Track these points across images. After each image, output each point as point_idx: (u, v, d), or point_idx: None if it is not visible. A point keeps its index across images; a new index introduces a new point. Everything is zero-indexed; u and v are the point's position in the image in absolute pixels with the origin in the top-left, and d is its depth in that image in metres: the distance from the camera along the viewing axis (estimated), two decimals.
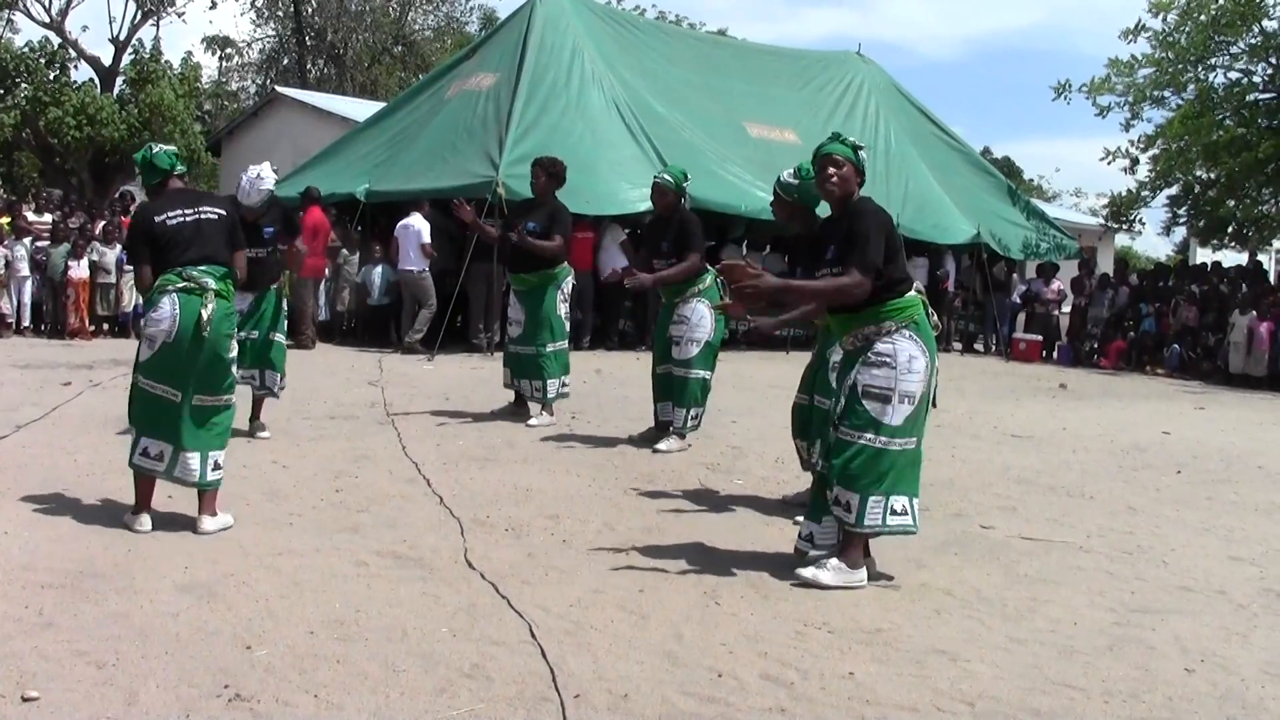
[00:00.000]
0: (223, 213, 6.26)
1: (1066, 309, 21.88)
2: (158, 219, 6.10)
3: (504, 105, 17.53)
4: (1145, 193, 23.37)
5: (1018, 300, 22.07)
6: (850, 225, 5.40)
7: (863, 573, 5.43)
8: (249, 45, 47.65)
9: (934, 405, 5.63)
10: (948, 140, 23.87)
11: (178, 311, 5.93)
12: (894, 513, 5.38)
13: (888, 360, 5.34)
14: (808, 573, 5.40)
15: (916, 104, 23.93)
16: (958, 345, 22.04)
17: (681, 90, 20.11)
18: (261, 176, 8.43)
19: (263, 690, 3.91)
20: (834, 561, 5.43)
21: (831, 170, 5.54)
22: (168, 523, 6.05)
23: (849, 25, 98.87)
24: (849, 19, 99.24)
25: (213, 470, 6.12)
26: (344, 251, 17.69)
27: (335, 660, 4.20)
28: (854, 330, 5.45)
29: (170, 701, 3.81)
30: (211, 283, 6.02)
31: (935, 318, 5.64)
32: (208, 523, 6.04)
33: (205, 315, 5.93)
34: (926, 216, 20.45)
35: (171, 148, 6.36)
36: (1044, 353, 20.97)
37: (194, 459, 6.05)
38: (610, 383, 12.76)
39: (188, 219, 6.12)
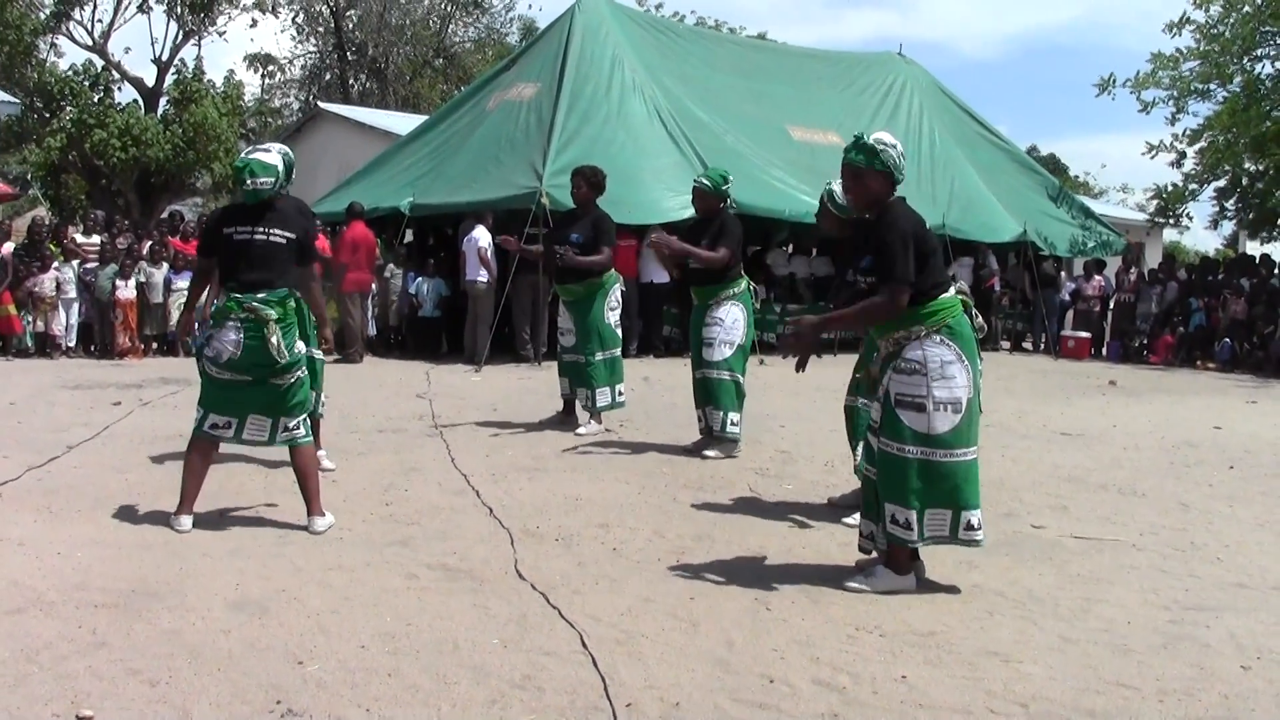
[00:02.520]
0: (291, 236, 6.32)
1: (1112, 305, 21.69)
2: (226, 230, 6.30)
3: (546, 116, 17.57)
4: (1192, 186, 23.11)
5: (1066, 297, 21.90)
6: (879, 237, 5.32)
7: (911, 577, 5.40)
8: (291, 62, 48.07)
9: (979, 410, 5.55)
10: (992, 139, 23.75)
11: (242, 339, 6.13)
12: (969, 527, 5.31)
13: (917, 367, 5.25)
14: (856, 583, 5.38)
15: (960, 103, 23.81)
16: (1006, 344, 21.89)
17: (723, 95, 20.09)
18: None
19: (314, 706, 3.92)
20: (881, 568, 5.40)
21: (849, 184, 5.51)
22: (217, 539, 6.09)
23: (889, 26, 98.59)
24: (889, 19, 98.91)
25: (283, 432, 6.31)
26: (390, 265, 17.76)
27: (387, 674, 4.21)
28: (888, 334, 5.40)
29: (223, 718, 3.83)
30: (272, 313, 6.14)
31: (979, 319, 5.56)
32: (318, 523, 6.27)
33: (274, 344, 6.11)
34: (972, 216, 20.36)
35: (258, 158, 6.30)
36: (1093, 350, 20.80)
37: (264, 422, 6.29)
38: (658, 390, 12.76)
39: (254, 238, 6.23)
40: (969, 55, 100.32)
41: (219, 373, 6.23)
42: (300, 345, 6.40)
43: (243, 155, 6.40)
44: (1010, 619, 5.02)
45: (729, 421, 8.73)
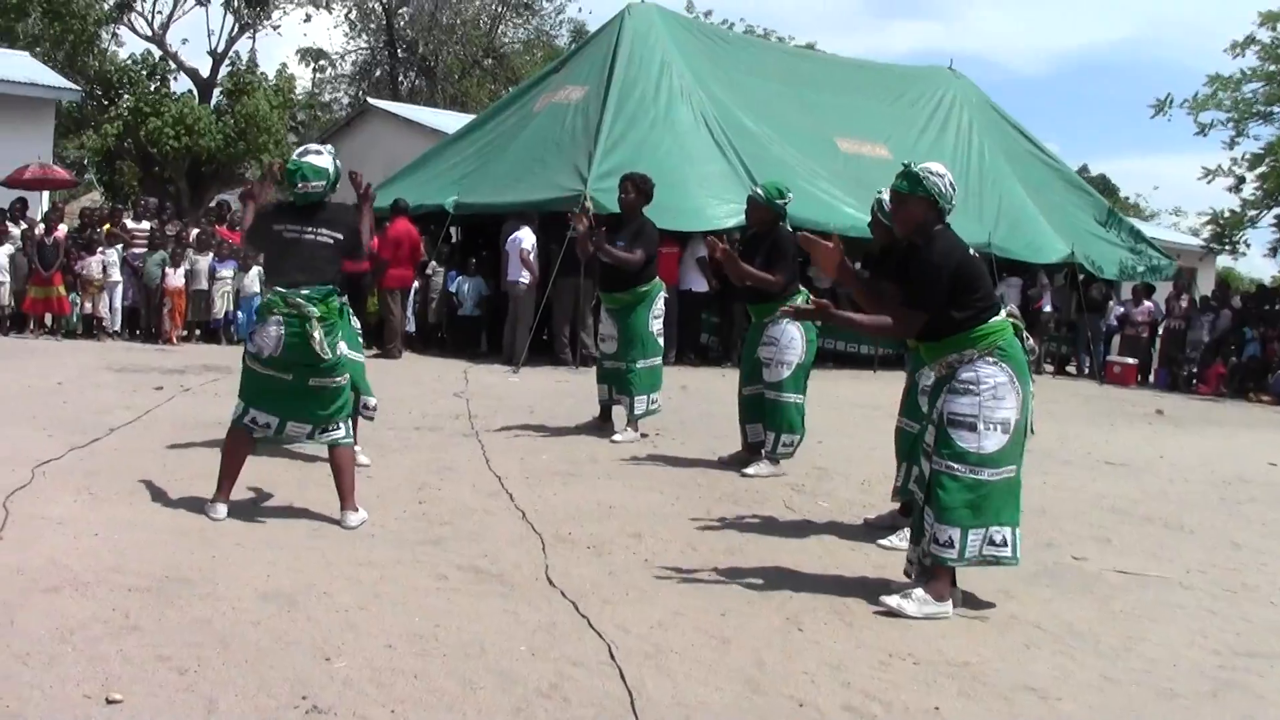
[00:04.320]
0: (338, 236, 6.38)
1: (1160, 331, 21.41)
2: (276, 226, 6.40)
3: (592, 119, 17.53)
4: (1251, 213, 22.74)
5: (1113, 322, 21.60)
6: (919, 263, 5.32)
7: (949, 604, 5.31)
8: (342, 57, 48.43)
9: (1031, 432, 5.50)
10: (1042, 157, 23.47)
11: (283, 333, 6.17)
12: (992, 544, 5.28)
13: (971, 388, 5.26)
14: (892, 601, 5.30)
15: (1010, 120, 23.56)
16: (1050, 367, 21.66)
17: (771, 104, 19.97)
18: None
19: (340, 703, 3.89)
20: (919, 591, 5.32)
21: (895, 209, 5.52)
22: (251, 529, 6.11)
23: (936, 39, 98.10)
24: (936, 32, 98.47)
25: (321, 433, 6.38)
26: (433, 263, 17.77)
27: (413, 675, 4.17)
28: (939, 358, 5.39)
29: (249, 711, 3.81)
30: (314, 309, 6.17)
31: (1030, 341, 5.53)
32: (351, 518, 6.30)
33: (316, 340, 6.13)
34: (1019, 235, 20.15)
35: (310, 161, 6.36)
36: (1139, 377, 20.53)
37: (304, 425, 6.36)
38: (695, 399, 12.68)
39: (303, 236, 6.32)
40: (1017, 71, 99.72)
41: (261, 368, 6.27)
42: (342, 346, 6.44)
43: (294, 157, 6.46)
44: (1048, 653, 4.91)
45: (780, 443, 8.59)
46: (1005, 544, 5.31)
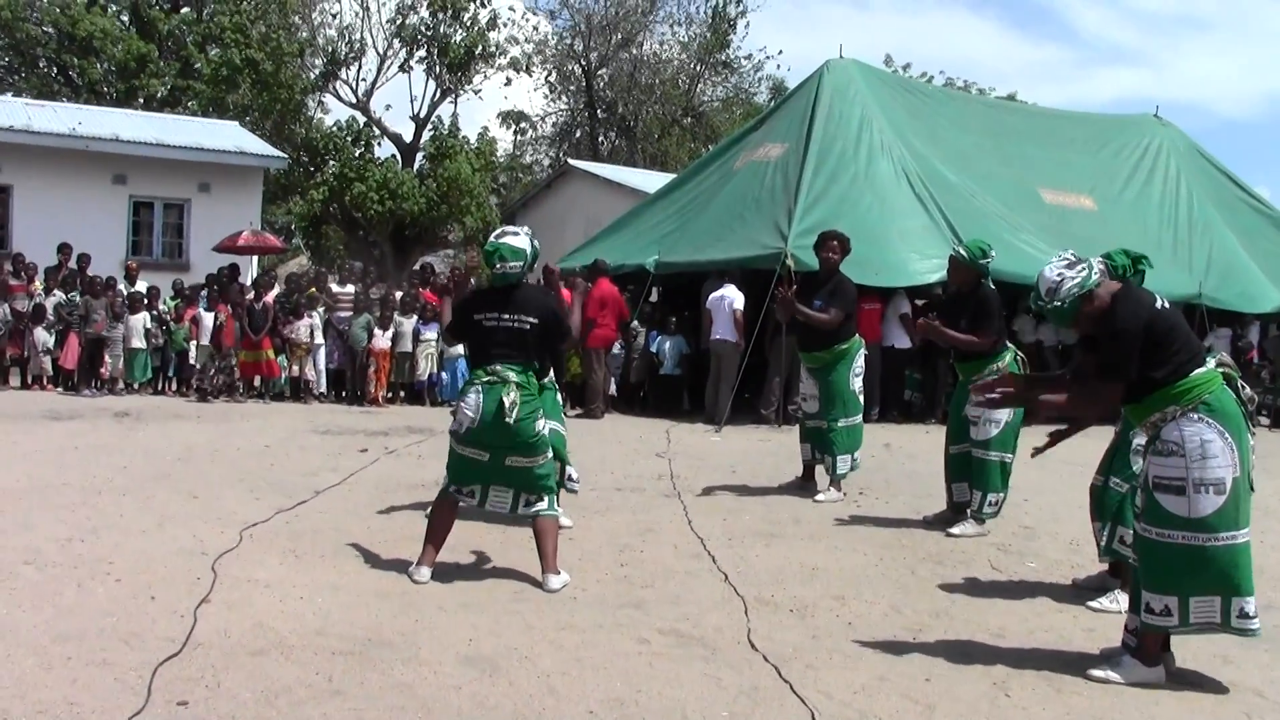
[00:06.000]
0: (535, 322, 6.53)
1: None
2: (476, 315, 6.58)
3: (792, 175, 17.57)
4: None
5: None
6: (1109, 330, 5.19)
7: (1160, 670, 5.19)
8: (543, 119, 49.44)
9: (1250, 489, 5.23)
10: (1253, 203, 22.61)
11: (481, 400, 6.35)
12: (1243, 615, 5.10)
13: (1175, 449, 5.08)
14: (1101, 673, 5.20)
15: (1219, 166, 22.78)
16: (1265, 420, 20.76)
17: (972, 156, 19.74)
18: None
19: None
20: (1129, 658, 5.20)
21: (1085, 308, 5.29)
22: (453, 592, 6.27)
23: (1141, 86, 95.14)
24: (1141, 79, 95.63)
25: (524, 506, 6.53)
26: (634, 324, 17.99)
27: None
28: (1143, 419, 5.25)
29: None
30: (513, 375, 6.37)
31: (1248, 390, 5.30)
32: (553, 581, 6.42)
33: (508, 402, 6.29)
34: (1231, 284, 19.41)
35: (508, 242, 6.51)
36: None
37: (506, 493, 6.53)
38: (899, 457, 12.58)
39: (501, 324, 6.50)
40: (1226, 115, 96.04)
41: (461, 448, 6.48)
42: (541, 423, 6.56)
43: (492, 239, 6.63)
44: None
45: (987, 503, 8.50)
46: (1246, 615, 5.10)
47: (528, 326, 6.51)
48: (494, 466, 6.46)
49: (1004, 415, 8.37)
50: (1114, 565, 6.64)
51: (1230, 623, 5.10)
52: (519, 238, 6.58)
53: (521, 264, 6.53)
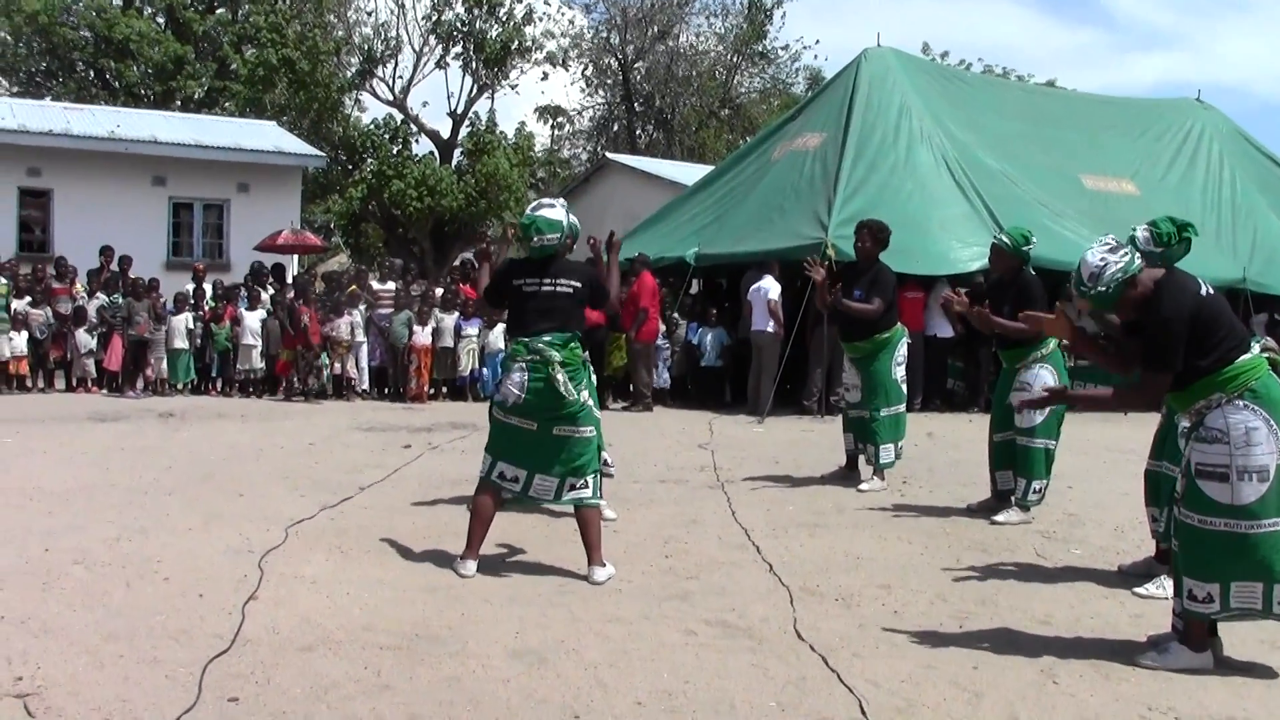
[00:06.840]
0: (577, 285, 6.57)
1: None
2: (515, 282, 6.59)
3: (831, 165, 17.55)
4: None
5: None
6: (1151, 320, 5.15)
7: (1209, 655, 5.15)
8: (580, 113, 49.36)
9: None
10: None
11: (526, 380, 6.38)
12: None
13: (1219, 435, 5.03)
14: (1149, 660, 5.16)
15: (1264, 150, 22.49)
16: None
17: (1012, 143, 19.62)
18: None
19: None
20: (1176, 645, 5.17)
21: (1129, 294, 5.24)
22: (499, 586, 6.30)
23: (1181, 69, 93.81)
24: (1180, 63, 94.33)
25: (569, 491, 6.50)
26: (675, 315, 17.99)
27: None
28: (1187, 407, 5.21)
29: None
30: (556, 355, 6.37)
31: None
32: (598, 573, 6.43)
33: (560, 381, 6.33)
34: (1276, 268, 19.16)
35: (544, 214, 6.53)
36: None
37: (550, 481, 6.48)
38: (942, 446, 12.54)
39: (541, 288, 6.51)
40: (1268, 97, 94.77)
41: (506, 417, 6.47)
42: (586, 394, 6.58)
43: (528, 212, 6.64)
44: None
45: (1031, 490, 8.46)
46: None
47: (570, 291, 6.52)
48: (540, 439, 6.43)
49: None
50: (1162, 551, 6.60)
51: (1272, 609, 5.05)
52: (555, 210, 6.60)
53: (559, 235, 6.53)
